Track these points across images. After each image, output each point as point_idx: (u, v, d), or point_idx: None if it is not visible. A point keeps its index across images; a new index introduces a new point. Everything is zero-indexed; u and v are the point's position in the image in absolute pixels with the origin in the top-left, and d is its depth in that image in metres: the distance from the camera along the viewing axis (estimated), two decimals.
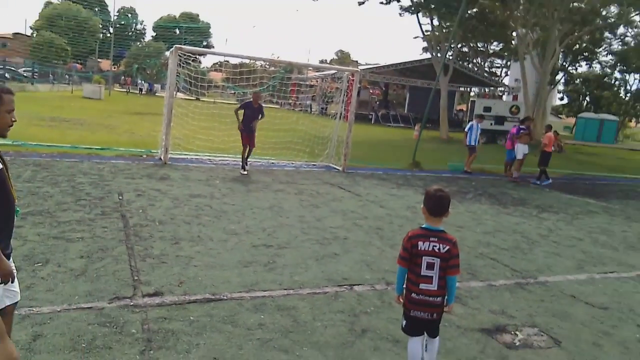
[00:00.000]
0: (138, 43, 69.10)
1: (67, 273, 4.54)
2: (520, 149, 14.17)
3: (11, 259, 2.70)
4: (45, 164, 9.55)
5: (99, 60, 65.17)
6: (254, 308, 4.22)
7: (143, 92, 53.06)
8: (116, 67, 66.24)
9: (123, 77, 58.73)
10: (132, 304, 4.07)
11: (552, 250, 7.13)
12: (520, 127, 14.59)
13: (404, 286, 3.25)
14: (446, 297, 3.19)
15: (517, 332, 4.33)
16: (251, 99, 11.45)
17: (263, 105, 11.71)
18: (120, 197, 7.60)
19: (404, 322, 3.31)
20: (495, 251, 6.75)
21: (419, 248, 3.14)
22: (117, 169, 9.86)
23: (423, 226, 3.23)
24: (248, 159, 11.38)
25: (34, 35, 59.87)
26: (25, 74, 44.34)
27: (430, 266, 3.13)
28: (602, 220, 9.71)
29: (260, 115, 11.35)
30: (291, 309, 4.27)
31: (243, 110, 11.29)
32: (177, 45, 11.82)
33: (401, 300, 3.30)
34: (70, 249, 5.15)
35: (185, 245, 5.65)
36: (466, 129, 15.66)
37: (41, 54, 51.04)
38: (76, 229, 5.81)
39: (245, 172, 11.03)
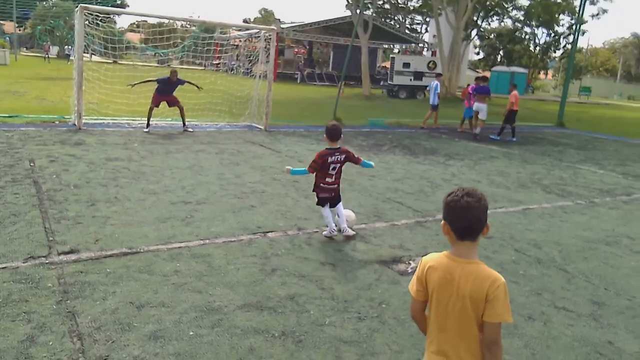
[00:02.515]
0: (44, 2, 63.75)
1: None
2: (484, 108, 14.58)
3: None
4: None
5: (1, 22, 59.66)
6: (170, 258, 4.48)
7: (70, 59, 48.86)
8: (21, 29, 60.99)
9: (45, 42, 53.15)
10: (47, 261, 4.20)
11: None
12: (482, 85, 14.97)
13: (315, 183, 5.42)
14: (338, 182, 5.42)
15: (411, 262, 4.90)
16: (169, 76, 11.65)
17: (184, 67, 12.09)
18: (31, 164, 7.43)
19: (317, 201, 5.50)
20: (401, 196, 7.35)
21: (329, 160, 5.24)
22: (27, 136, 9.51)
23: (327, 147, 5.29)
24: (185, 120, 12.09)
25: None
26: None
27: (333, 169, 5.30)
28: (501, 164, 10.67)
29: (178, 86, 11.81)
30: (206, 257, 4.58)
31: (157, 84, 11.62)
32: (82, 5, 11.27)
33: (289, 172, 5.38)
34: None
35: (102, 207, 5.75)
36: (428, 88, 16.25)
37: None
38: None
39: (148, 130, 11.38)
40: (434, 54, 37.73)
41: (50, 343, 3.08)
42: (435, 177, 8.77)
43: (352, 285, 4.26)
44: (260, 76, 14.27)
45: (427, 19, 50.79)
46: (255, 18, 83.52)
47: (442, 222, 2.04)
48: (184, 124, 12.07)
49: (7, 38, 47.68)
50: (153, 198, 6.25)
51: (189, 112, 13.45)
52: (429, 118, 16.42)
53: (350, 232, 5.38)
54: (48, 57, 45.62)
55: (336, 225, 5.38)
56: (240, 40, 41.62)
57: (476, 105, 14.78)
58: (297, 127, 14.18)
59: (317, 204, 5.50)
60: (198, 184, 7.11)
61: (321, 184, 5.35)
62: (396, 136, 13.88)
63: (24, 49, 58.73)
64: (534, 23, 48.12)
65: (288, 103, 20.16)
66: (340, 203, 5.46)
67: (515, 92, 15.11)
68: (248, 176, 7.82)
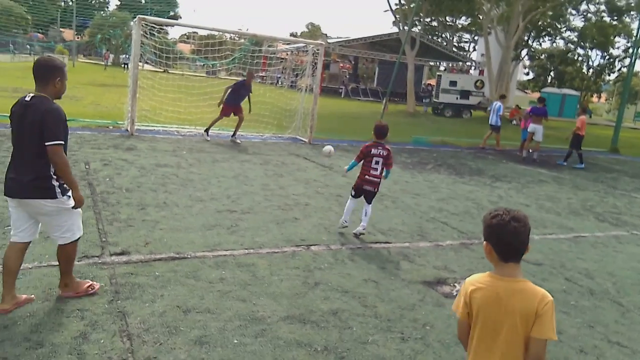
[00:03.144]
0: (102, 12, 66.89)
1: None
2: (539, 130, 14.34)
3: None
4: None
5: (61, 30, 62.95)
6: (215, 265, 4.56)
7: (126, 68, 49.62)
8: (80, 37, 64.10)
9: (105, 51, 54.82)
10: (100, 261, 4.35)
11: None
12: (539, 106, 14.70)
13: (359, 175, 5.93)
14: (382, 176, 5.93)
15: (456, 284, 4.80)
16: (244, 80, 12.14)
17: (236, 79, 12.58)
18: (87, 167, 7.75)
19: (353, 192, 5.96)
20: (446, 216, 7.24)
21: (371, 152, 5.83)
22: (83, 140, 9.93)
23: (373, 140, 5.89)
24: (237, 131, 12.30)
25: None
26: None
27: (376, 162, 5.83)
28: (551, 189, 10.35)
29: (249, 94, 12.22)
30: (250, 266, 4.63)
31: (231, 89, 11.96)
32: (140, 16, 11.77)
33: (347, 174, 6.31)
34: None
35: (152, 211, 5.92)
36: (488, 109, 16.12)
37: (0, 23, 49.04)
38: None
39: (209, 139, 11.84)
40: (481, 72, 37.17)
41: (102, 341, 3.17)
42: (482, 199, 8.59)
43: (396, 304, 4.20)
44: (306, 89, 14.43)
45: (476, 37, 50.21)
46: (302, 32, 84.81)
47: (485, 243, 2.08)
48: (234, 134, 12.26)
49: (68, 46, 50.11)
50: (200, 205, 6.39)
51: (235, 122, 13.75)
52: (488, 138, 16.13)
53: (361, 231, 5.79)
54: (107, 64, 47.03)
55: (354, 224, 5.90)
56: (286, 54, 42.31)
57: (532, 127, 14.46)
58: (340, 141, 14.21)
59: (352, 194, 5.94)
60: (243, 194, 7.22)
61: (366, 176, 5.86)
62: (441, 155, 13.71)
63: (82, 56, 61.58)
64: (587, 44, 46.76)
65: (332, 117, 20.26)
66: (371, 204, 5.91)
67: (583, 116, 14.58)
68: (292, 188, 7.88)
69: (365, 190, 5.87)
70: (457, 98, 30.78)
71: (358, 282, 4.55)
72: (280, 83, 29.07)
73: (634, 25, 37.51)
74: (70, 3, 60.93)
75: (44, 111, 3.35)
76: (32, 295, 3.63)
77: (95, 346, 3.12)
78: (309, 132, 13.32)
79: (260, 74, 29.36)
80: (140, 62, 15.40)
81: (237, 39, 48.02)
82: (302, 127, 13.98)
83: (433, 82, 52.74)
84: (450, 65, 45.00)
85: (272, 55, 32.03)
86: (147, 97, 12.97)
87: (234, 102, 11.92)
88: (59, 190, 3.46)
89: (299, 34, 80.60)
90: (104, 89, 23.18)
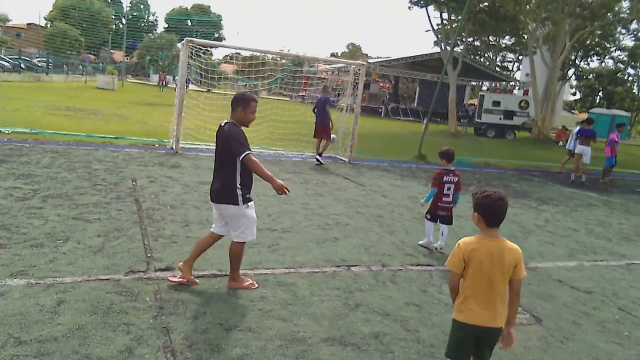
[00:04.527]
0: (150, 35, 69.68)
1: (86, 249, 4.93)
2: (588, 152, 14.03)
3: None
4: (62, 151, 9.98)
5: (111, 51, 65.87)
6: (256, 283, 4.57)
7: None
8: (129, 58, 66.85)
9: (159, 73, 54.69)
10: (145, 276, 4.45)
11: (546, 239, 7.42)
12: (587, 128, 14.35)
13: (432, 202, 6.23)
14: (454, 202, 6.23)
15: None
16: (324, 96, 12.50)
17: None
18: (133, 183, 7.99)
19: (428, 216, 6.29)
20: None
21: (444, 179, 6.12)
22: (130, 157, 10.28)
23: (444, 168, 6.17)
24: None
25: (48, 25, 60.63)
26: (39, 64, 45.10)
27: (448, 189, 6.14)
28: (601, 213, 9.94)
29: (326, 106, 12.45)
30: (291, 285, 4.63)
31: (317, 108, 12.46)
32: (188, 38, 12.17)
33: (424, 205, 6.30)
34: (89, 229, 5.54)
35: (195, 228, 6.02)
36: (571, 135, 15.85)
37: (55, 45, 51.79)
38: (93, 211, 6.21)
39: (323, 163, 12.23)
40: (526, 92, 36.45)
41: (147, 356, 3.22)
42: (527, 222, 8.33)
43: (439, 329, 4.09)
44: (346, 109, 14.49)
45: (520, 57, 49.37)
46: (342, 52, 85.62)
47: (475, 213, 2.82)
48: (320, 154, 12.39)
49: (118, 67, 52.29)
50: None
51: (276, 141, 13.94)
52: (566, 163, 15.68)
53: (441, 245, 6.20)
54: (162, 85, 45.79)
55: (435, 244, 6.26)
56: (327, 74, 42.69)
57: (580, 149, 14.03)
58: (381, 161, 14.17)
59: (428, 218, 6.29)
60: (283, 212, 7.26)
61: (439, 203, 6.19)
62: (484, 176, 13.42)
63: (130, 76, 64.11)
64: (638, 64, 45.16)
65: (372, 137, 20.24)
66: (448, 226, 6.30)
67: None
68: (332, 208, 7.87)
69: (439, 215, 6.25)
70: (500, 118, 30.22)
71: (399, 305, 4.47)
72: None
73: None
74: (121, 26, 63.86)
75: (231, 131, 4.22)
76: (197, 280, 4.40)
77: None
78: (349, 151, 13.33)
79: (301, 94, 29.75)
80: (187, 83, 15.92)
81: (279, 59, 49.05)
82: (341, 146, 14.01)
83: (475, 102, 52.11)
84: (493, 85, 44.37)
85: (312, 75, 32.41)
86: (192, 116, 13.34)
87: (322, 121, 12.24)
88: (241, 199, 4.23)
89: (339, 54, 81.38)
90: (150, 108, 24.00)
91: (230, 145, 4.17)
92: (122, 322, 3.61)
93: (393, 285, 4.94)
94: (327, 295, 4.50)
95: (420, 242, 6.34)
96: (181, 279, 4.36)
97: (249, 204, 4.33)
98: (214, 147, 4.41)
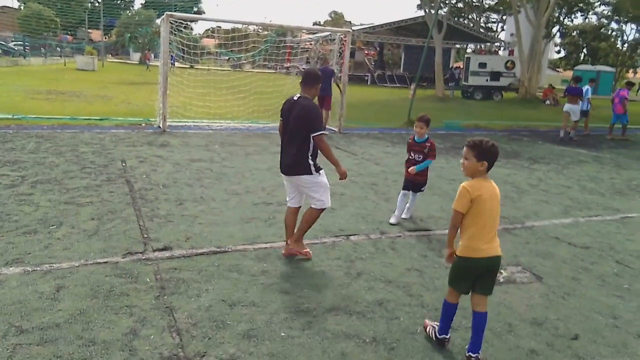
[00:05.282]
0: (128, 12, 67.78)
1: (81, 233, 4.85)
2: (575, 109, 14.18)
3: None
4: (47, 136, 9.77)
5: (89, 30, 64.13)
6: (257, 258, 4.55)
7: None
8: (107, 37, 65.17)
9: (144, 51, 51.45)
10: (144, 258, 4.39)
11: (540, 198, 7.45)
12: (574, 86, 14.51)
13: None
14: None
15: (502, 271, 4.66)
16: (324, 66, 12.51)
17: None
18: (123, 164, 7.86)
19: (403, 185, 5.97)
20: None
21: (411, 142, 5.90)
22: (117, 138, 10.09)
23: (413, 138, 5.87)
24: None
25: (22, 7, 58.71)
26: (15, 48, 43.87)
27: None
28: (592, 169, 10.00)
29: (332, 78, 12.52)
30: (292, 258, 4.60)
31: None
32: (168, 13, 11.82)
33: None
34: (81, 213, 5.45)
35: (190, 206, 5.95)
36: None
37: (30, 27, 50.22)
38: (84, 195, 6.10)
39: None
40: (511, 53, 36.25)
41: (152, 337, 3.19)
42: (521, 182, 8.36)
43: (441, 293, 4.07)
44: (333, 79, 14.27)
45: (504, 17, 48.91)
46: (325, 21, 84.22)
47: (482, 162, 3.08)
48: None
49: (97, 46, 50.99)
50: (236, 199, 6.40)
51: (264, 113, 13.76)
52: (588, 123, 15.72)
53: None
54: (149, 64, 43.13)
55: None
56: (311, 44, 42.04)
57: (567, 106, 14.16)
58: (371, 129, 14.08)
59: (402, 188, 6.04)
60: (277, 186, 7.18)
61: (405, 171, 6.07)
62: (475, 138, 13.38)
63: (110, 55, 62.60)
64: (622, 19, 44.96)
65: (360, 105, 20.05)
66: (418, 194, 6.07)
67: None
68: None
69: (407, 180, 6.01)
70: (487, 80, 30.10)
71: (401, 272, 4.48)
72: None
73: None
74: (97, 4, 61.99)
75: (309, 108, 4.35)
76: (310, 254, 4.61)
77: (146, 342, 3.14)
78: (338, 121, 13.21)
79: (285, 65, 29.31)
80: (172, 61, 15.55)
81: (261, 30, 48.18)
82: (331, 116, 13.87)
83: (460, 64, 51.79)
84: (478, 47, 44.05)
85: (296, 46, 31.89)
86: (177, 93, 13.08)
87: (327, 92, 12.19)
88: (313, 168, 4.44)
89: (322, 23, 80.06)
90: (133, 87, 23.53)
91: (308, 120, 4.32)
92: (124, 305, 3.57)
93: (393, 252, 4.94)
94: (328, 266, 4.49)
95: (391, 221, 5.84)
96: (291, 251, 4.61)
97: (321, 171, 4.53)
98: (285, 120, 4.51)
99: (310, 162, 4.44)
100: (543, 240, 5.58)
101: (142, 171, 7.49)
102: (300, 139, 4.38)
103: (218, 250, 4.67)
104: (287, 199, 4.70)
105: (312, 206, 4.55)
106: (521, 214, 6.55)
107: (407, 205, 5.98)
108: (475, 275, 3.16)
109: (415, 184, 5.92)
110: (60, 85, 21.49)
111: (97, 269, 4.11)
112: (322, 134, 4.37)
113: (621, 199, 7.73)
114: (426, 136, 5.80)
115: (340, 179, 4.55)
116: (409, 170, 5.85)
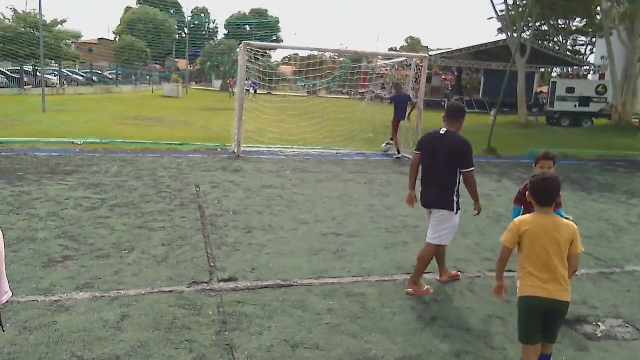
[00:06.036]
0: (211, 42, 71.58)
1: (151, 259, 4.86)
2: None
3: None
4: (130, 160, 10.22)
5: (176, 60, 68.29)
6: (323, 294, 4.30)
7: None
8: (192, 66, 69.01)
9: (228, 79, 53.91)
10: (208, 288, 4.29)
11: None
12: None
13: None
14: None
15: (599, 323, 4.10)
16: (399, 94, 12.87)
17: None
18: (197, 189, 7.98)
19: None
20: None
21: None
22: (194, 163, 10.35)
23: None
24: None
25: (117, 39, 63.73)
26: (110, 77, 47.51)
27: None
28: None
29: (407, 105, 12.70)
30: (360, 296, 4.31)
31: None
32: (245, 42, 12.15)
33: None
34: (153, 238, 5.50)
35: (258, 234, 5.85)
36: None
37: (124, 57, 54.28)
38: (158, 219, 6.19)
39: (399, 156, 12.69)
40: (602, 76, 34.02)
41: None
42: (618, 219, 7.53)
43: None
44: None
45: (593, 40, 46.24)
46: (401, 46, 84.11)
47: (528, 193, 3.05)
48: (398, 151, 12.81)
49: (182, 74, 54.03)
50: (305, 228, 6.23)
51: (337, 140, 13.67)
52: None
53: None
54: (233, 92, 40.67)
55: None
56: (386, 69, 41.96)
57: None
58: None
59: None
60: (348, 215, 6.95)
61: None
62: (562, 169, 12.38)
63: (194, 83, 66.06)
64: None
65: None
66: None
67: None
68: (399, 209, 7.47)
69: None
70: (575, 106, 28.30)
71: (481, 318, 4.04)
72: (380, 100, 28.76)
73: None
74: (184, 35, 66.02)
75: (461, 143, 4.36)
76: (431, 290, 4.48)
77: None
78: (414, 148, 12.80)
79: (360, 91, 29.31)
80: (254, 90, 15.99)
81: (337, 57, 48.88)
82: (405, 143, 13.51)
83: (544, 89, 49.38)
84: (564, 70, 41.85)
85: (371, 72, 31.80)
86: (252, 119, 13.33)
87: (402, 117, 12.68)
88: (456, 206, 4.42)
89: (398, 49, 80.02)
90: (213, 113, 24.48)
91: (461, 155, 4.34)
92: (185, 339, 3.44)
93: (472, 295, 4.51)
94: (399, 307, 4.15)
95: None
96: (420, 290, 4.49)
97: (459, 212, 4.49)
98: (428, 154, 4.48)
99: (455, 198, 4.42)
100: None
101: (215, 197, 7.55)
102: (448, 174, 4.38)
103: (283, 283, 4.48)
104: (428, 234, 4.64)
105: (429, 241, 4.51)
106: (619, 256, 5.83)
107: None
108: (539, 322, 2.94)
109: None
110: (146, 111, 22.81)
111: (162, 297, 4.05)
112: (474, 170, 4.38)
113: None
114: None
115: (476, 215, 4.58)
116: None
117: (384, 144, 13.27)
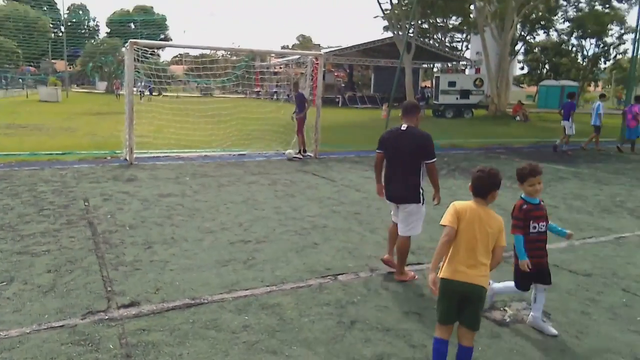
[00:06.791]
0: (92, 40, 66.75)
1: (35, 290, 4.27)
2: (568, 124, 14.75)
3: None
4: (2, 175, 9.07)
5: (52, 61, 62.79)
6: (236, 309, 4.04)
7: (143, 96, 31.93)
8: (72, 67, 63.92)
9: (113, 80, 49.78)
10: (107, 317, 3.84)
11: None
12: (568, 101, 15.03)
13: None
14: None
15: (507, 308, 4.30)
16: (298, 93, 12.63)
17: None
18: (86, 204, 7.26)
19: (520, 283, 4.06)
20: None
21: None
22: (80, 174, 9.45)
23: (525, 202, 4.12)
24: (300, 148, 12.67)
25: None
26: None
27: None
28: (574, 186, 9.85)
29: (305, 104, 12.50)
30: (276, 307, 4.12)
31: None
32: (132, 40, 11.35)
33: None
34: (36, 264, 4.85)
35: (159, 249, 5.41)
36: (591, 109, 16.21)
37: None
38: (41, 242, 5.50)
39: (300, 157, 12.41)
40: (477, 70, 36.85)
41: None
42: (507, 203, 8.05)
43: None
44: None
45: (468, 37, 50.01)
46: (293, 44, 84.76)
47: (469, 184, 3.21)
48: (303, 150, 12.63)
49: (61, 76, 49.80)
50: (211, 237, 5.89)
51: (236, 141, 13.30)
52: (591, 140, 16.02)
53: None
54: (119, 94, 39.04)
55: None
56: (280, 67, 41.95)
57: (563, 122, 14.85)
58: (347, 152, 13.75)
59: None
60: (255, 220, 6.72)
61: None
62: (452, 158, 13.20)
63: (75, 85, 61.29)
64: (581, 34, 46.44)
65: (334, 128, 19.78)
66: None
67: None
68: (306, 209, 7.38)
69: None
70: (457, 98, 30.37)
71: (398, 317, 4.04)
72: (276, 97, 28.65)
73: (633, 13, 37.31)
74: (60, 34, 60.84)
75: (424, 137, 4.54)
76: (416, 276, 4.78)
77: None
78: (314, 145, 12.84)
79: (255, 90, 28.92)
80: (150, 93, 15.00)
81: (230, 56, 47.91)
82: (306, 140, 13.48)
83: (428, 84, 52.50)
84: (444, 65, 44.76)
85: (266, 70, 31.59)
86: (144, 123, 12.53)
87: (303, 116, 12.49)
88: (422, 198, 4.62)
89: (290, 47, 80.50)
90: (98, 117, 22.75)
91: (424, 149, 4.50)
92: None
93: (386, 293, 4.51)
94: (317, 315, 4.01)
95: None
96: (390, 261, 4.90)
97: (424, 202, 4.68)
98: (391, 151, 4.65)
99: (421, 190, 4.61)
100: None
101: (107, 210, 6.91)
102: (414, 168, 4.55)
103: (192, 302, 4.15)
104: (393, 218, 4.96)
105: (402, 234, 4.70)
106: (510, 239, 6.21)
107: (536, 305, 3.94)
108: (453, 300, 3.06)
109: (542, 269, 3.91)
110: (20, 119, 20.60)
111: (51, 335, 3.54)
112: (435, 161, 4.56)
113: (610, 217, 7.52)
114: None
115: (435, 205, 4.72)
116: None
117: (292, 151, 12.65)
